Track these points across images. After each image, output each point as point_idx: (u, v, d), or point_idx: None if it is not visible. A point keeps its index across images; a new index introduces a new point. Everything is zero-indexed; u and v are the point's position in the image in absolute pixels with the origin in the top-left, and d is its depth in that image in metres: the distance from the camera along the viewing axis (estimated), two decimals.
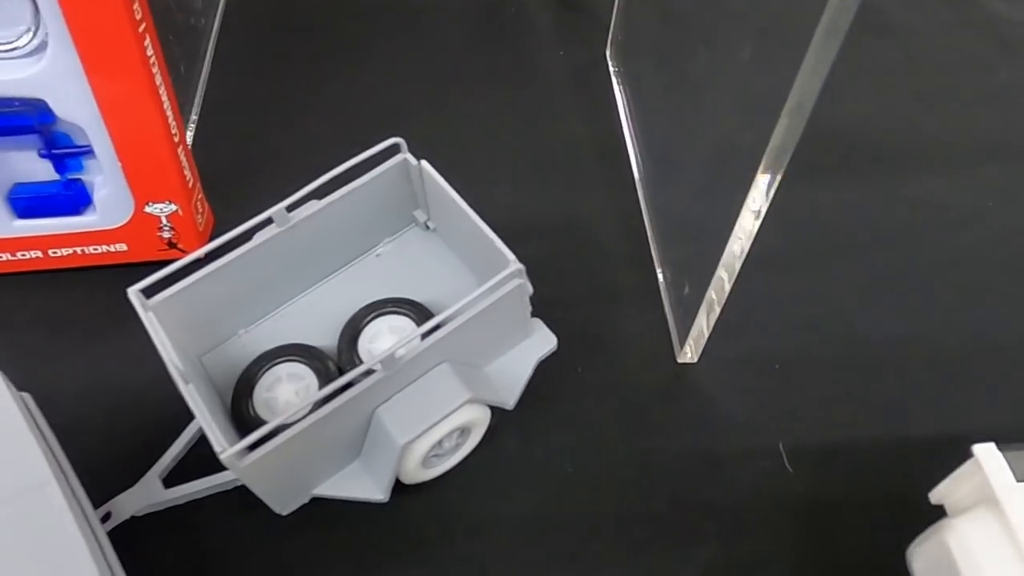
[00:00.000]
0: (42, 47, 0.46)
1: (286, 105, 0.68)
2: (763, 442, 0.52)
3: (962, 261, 0.61)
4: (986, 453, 0.38)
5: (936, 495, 0.41)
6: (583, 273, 0.58)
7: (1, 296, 0.54)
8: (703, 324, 0.54)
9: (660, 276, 0.61)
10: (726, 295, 0.52)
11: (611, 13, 0.77)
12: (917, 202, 0.65)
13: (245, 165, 0.64)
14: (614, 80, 0.77)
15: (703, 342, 0.56)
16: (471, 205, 0.48)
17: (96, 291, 0.56)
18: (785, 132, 0.42)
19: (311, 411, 0.40)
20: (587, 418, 0.52)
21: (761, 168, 0.46)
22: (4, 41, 0.46)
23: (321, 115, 0.68)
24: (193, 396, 0.40)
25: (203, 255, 0.44)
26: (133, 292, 0.42)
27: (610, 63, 0.79)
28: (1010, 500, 0.36)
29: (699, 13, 0.62)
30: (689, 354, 0.56)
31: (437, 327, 0.42)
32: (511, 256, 0.44)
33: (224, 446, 0.37)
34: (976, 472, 0.38)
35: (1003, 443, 0.40)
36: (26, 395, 0.44)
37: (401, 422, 0.41)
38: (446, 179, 0.49)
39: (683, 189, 0.62)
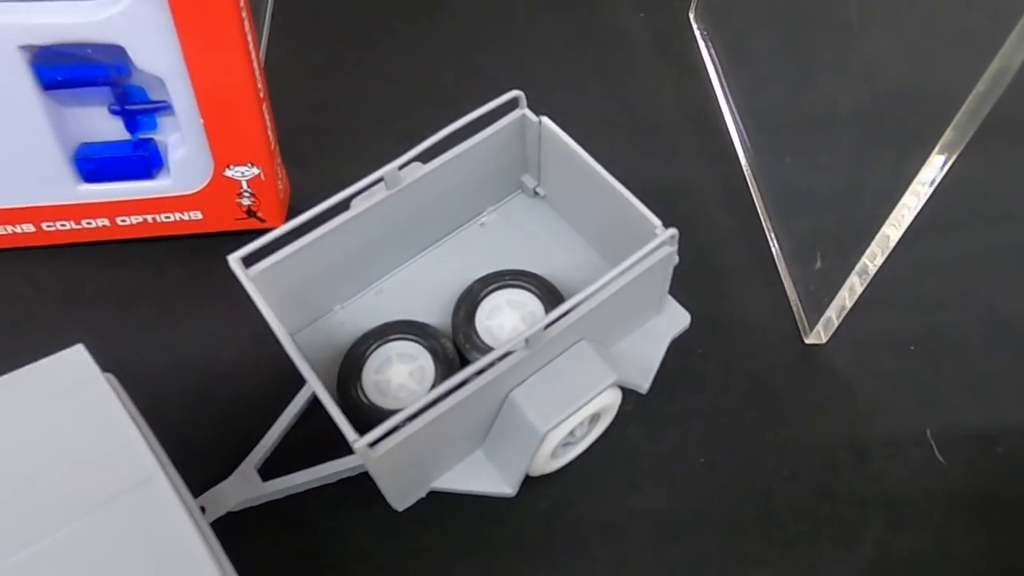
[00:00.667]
0: None
1: (353, 69, 0.63)
2: (908, 430, 0.48)
3: None
4: None
5: None
6: (690, 247, 0.53)
7: (66, 268, 0.50)
8: (843, 303, 0.50)
9: (775, 249, 0.56)
10: (872, 274, 0.48)
11: None
12: None
13: (317, 130, 0.59)
14: (701, 42, 0.72)
15: (835, 322, 0.52)
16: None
17: (168, 264, 0.51)
18: (985, 91, 0.37)
19: (438, 396, 0.36)
20: (714, 404, 0.48)
21: (945, 136, 0.41)
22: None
23: (392, 80, 0.63)
24: (314, 379, 0.35)
25: (306, 221, 0.40)
26: (234, 260, 0.38)
27: (695, 25, 0.74)
28: None
29: None
30: (821, 334, 0.52)
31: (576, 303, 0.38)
32: (658, 222, 0.39)
33: (356, 435, 0.33)
34: None
35: None
36: (110, 376, 0.40)
37: (542, 406, 0.37)
38: None
39: (808, 156, 0.58)
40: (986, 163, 0.62)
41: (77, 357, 0.37)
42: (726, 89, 0.70)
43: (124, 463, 0.35)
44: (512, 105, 0.44)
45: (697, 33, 0.76)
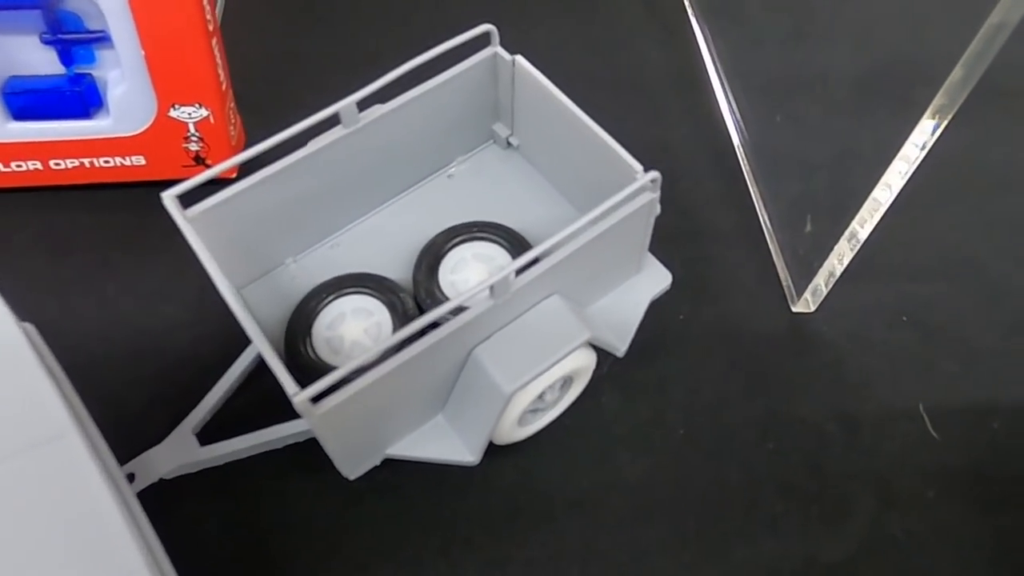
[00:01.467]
0: None
1: (319, 14, 0.59)
2: (901, 404, 0.45)
3: None
4: None
5: None
6: (674, 209, 0.50)
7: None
8: (832, 270, 0.47)
9: (762, 213, 0.54)
10: (862, 240, 0.45)
11: None
12: None
13: (276, 77, 0.55)
14: (688, 5, 0.69)
15: (824, 291, 0.49)
16: None
17: (106, 212, 0.47)
18: (977, 54, 0.35)
19: (391, 346, 0.33)
20: (697, 373, 0.45)
21: (937, 100, 0.40)
22: None
23: (360, 26, 0.59)
24: (256, 332, 0.32)
25: (252, 158, 0.36)
26: (169, 197, 0.34)
27: (694, 20, 0.71)
28: None
29: None
30: (809, 303, 0.49)
31: (544, 253, 0.34)
32: (639, 166, 0.36)
33: (296, 388, 0.29)
34: None
35: None
36: (28, 326, 0.36)
37: (508, 365, 0.34)
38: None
39: (798, 119, 0.55)
40: (981, 132, 0.59)
41: None
42: (712, 48, 0.67)
43: (33, 416, 0.31)
44: (484, 42, 0.41)
45: (698, 32, 0.73)
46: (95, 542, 0.27)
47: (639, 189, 0.35)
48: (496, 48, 0.41)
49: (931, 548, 0.40)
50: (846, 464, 0.41)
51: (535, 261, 0.34)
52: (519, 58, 0.41)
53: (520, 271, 0.33)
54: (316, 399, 0.31)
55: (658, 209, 0.38)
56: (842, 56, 0.52)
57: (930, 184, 0.57)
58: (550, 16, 0.64)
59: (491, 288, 0.32)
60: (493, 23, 0.58)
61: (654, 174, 0.36)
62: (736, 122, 0.61)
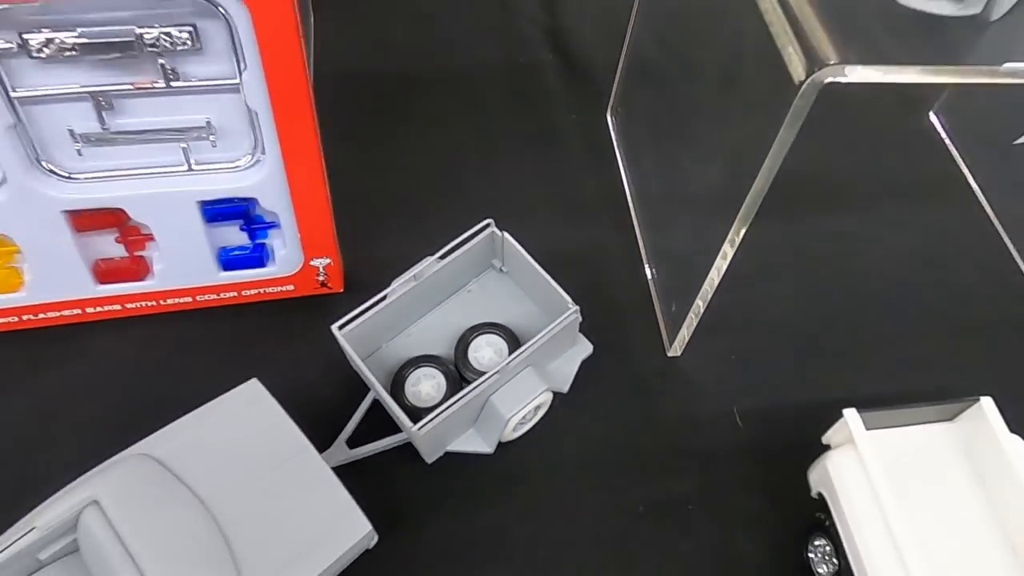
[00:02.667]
0: (257, 163, 0.68)
1: (368, 168, 0.90)
2: (724, 408, 0.79)
3: (868, 275, 0.88)
4: (851, 414, 0.64)
5: (825, 438, 0.67)
6: (597, 293, 0.82)
7: (209, 324, 0.78)
8: (690, 328, 0.80)
9: (653, 294, 0.86)
10: (703, 310, 0.77)
11: (611, 80, 1.00)
12: (835, 232, 0.91)
13: (350, 218, 0.85)
14: (613, 138, 1.00)
15: (685, 342, 0.82)
16: (519, 242, 0.73)
17: (273, 318, 0.79)
18: (759, 188, 0.63)
19: (453, 400, 0.64)
20: (608, 396, 0.78)
21: (740, 214, 0.66)
22: (230, 160, 0.69)
23: (398, 177, 0.90)
24: (378, 387, 0.64)
25: (377, 300, 0.68)
26: (335, 328, 0.66)
27: (610, 124, 1.02)
28: (861, 440, 0.62)
29: (683, 86, 0.85)
30: (677, 350, 0.81)
31: (521, 347, 0.67)
32: (570, 302, 0.68)
33: (410, 425, 0.61)
34: (845, 425, 0.64)
35: (861, 408, 0.66)
36: (255, 381, 0.68)
37: (505, 403, 0.67)
38: (497, 222, 0.74)
39: (670, 225, 0.87)
40: (790, 225, 0.91)
41: (253, 385, 0.65)
42: (628, 176, 0.99)
43: (285, 440, 0.63)
44: (487, 226, 0.72)
45: (611, 128, 1.04)
46: (332, 504, 0.59)
47: (569, 315, 0.67)
48: (493, 229, 0.73)
49: (732, 485, 0.72)
50: (688, 444, 0.75)
51: (520, 353, 0.66)
52: (506, 235, 0.73)
53: (509, 359, 0.65)
54: (415, 424, 0.63)
55: (580, 319, 0.70)
56: (697, 181, 0.83)
57: (762, 265, 0.89)
58: (520, 152, 0.95)
59: (498, 371, 0.64)
60: (481, 148, 0.87)
61: (575, 308, 0.68)
62: (640, 228, 0.93)
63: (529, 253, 0.73)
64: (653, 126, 0.92)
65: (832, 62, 0.51)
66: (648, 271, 0.85)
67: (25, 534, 0.54)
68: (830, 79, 0.51)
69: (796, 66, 0.52)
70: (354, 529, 0.59)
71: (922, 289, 0.87)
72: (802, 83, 0.51)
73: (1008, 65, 0.51)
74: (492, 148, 0.94)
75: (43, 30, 0.57)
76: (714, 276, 0.74)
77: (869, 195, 0.93)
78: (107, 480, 0.56)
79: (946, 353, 0.82)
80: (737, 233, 0.67)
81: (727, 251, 0.70)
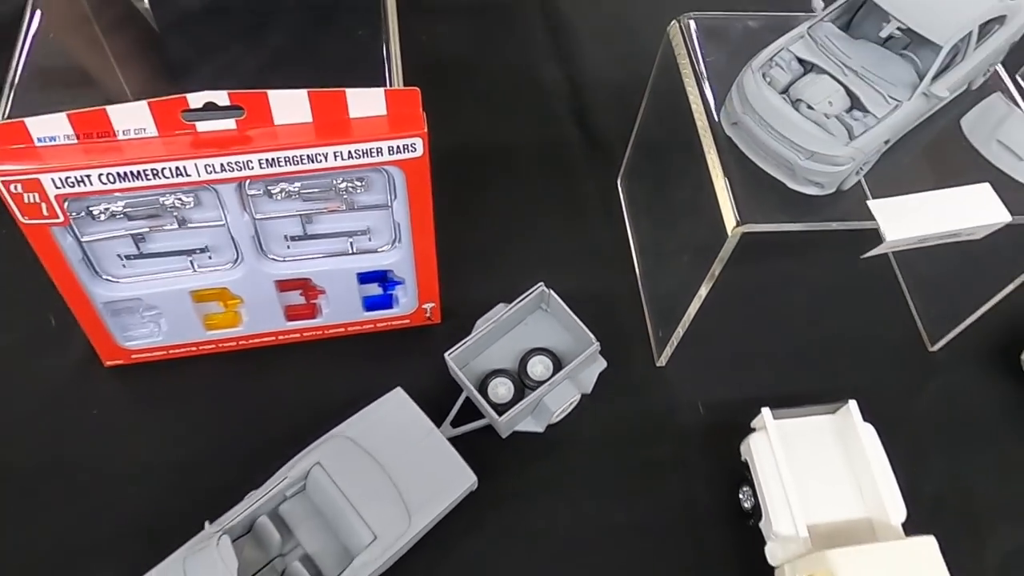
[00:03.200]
0: (394, 248, 1.04)
1: (445, 228, 1.22)
2: (692, 401, 1.12)
3: (795, 305, 1.24)
4: (766, 410, 1.00)
5: (752, 424, 1.04)
6: (608, 323, 1.14)
7: (356, 345, 1.10)
8: (673, 344, 1.15)
9: (648, 324, 1.22)
10: (682, 333, 1.13)
11: (623, 153, 1.35)
12: (783, 275, 1.27)
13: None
14: (622, 202, 1.36)
15: (669, 356, 1.19)
16: (553, 285, 1.07)
17: (397, 341, 1.12)
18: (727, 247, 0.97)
19: (522, 402, 1.02)
20: (615, 394, 1.10)
21: (713, 264, 0.93)
22: (377, 248, 1.04)
23: (466, 231, 1.21)
24: (473, 392, 1.01)
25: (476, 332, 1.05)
26: (447, 355, 1.03)
27: (620, 189, 1.38)
28: (771, 426, 0.99)
29: (672, 165, 1.21)
30: (663, 362, 1.18)
31: (562, 367, 1.04)
32: (593, 338, 1.05)
33: (496, 415, 0.99)
34: (762, 416, 1.01)
35: (775, 405, 1.03)
36: (400, 390, 1.05)
37: (553, 403, 1.03)
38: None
39: (663, 274, 1.23)
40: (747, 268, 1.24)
41: (398, 391, 1.02)
42: (631, 230, 1.35)
43: (418, 423, 1.00)
44: (539, 286, 1.09)
45: (620, 193, 1.40)
46: (450, 464, 0.97)
47: (594, 347, 1.03)
48: (542, 288, 1.08)
49: (698, 455, 1.10)
50: (668, 426, 1.10)
51: (559, 365, 1.03)
52: (552, 291, 1.09)
53: (552, 376, 1.03)
54: (499, 414, 1.01)
55: (599, 347, 1.07)
56: (687, 235, 1.19)
57: (729, 302, 1.24)
58: (551, 208, 1.27)
59: (549, 383, 1.01)
60: (523, 214, 1.24)
61: (596, 345, 1.04)
62: (640, 274, 1.29)
63: (559, 293, 1.10)
64: (651, 193, 1.28)
65: (746, 221, 0.86)
66: (645, 307, 1.22)
67: (281, 481, 0.92)
68: (745, 229, 0.87)
69: (729, 220, 0.88)
70: (465, 479, 0.97)
71: (830, 318, 1.22)
72: (732, 230, 0.88)
73: (845, 223, 0.87)
74: (532, 210, 1.29)
75: (280, 184, 0.93)
76: (692, 310, 1.10)
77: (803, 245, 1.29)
78: (323, 451, 0.94)
79: (835, 365, 1.16)
80: (711, 278, 0.95)
81: (702, 292, 1.00)
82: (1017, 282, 1.06)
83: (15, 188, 0.82)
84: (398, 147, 0.87)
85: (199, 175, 0.85)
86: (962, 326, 1.16)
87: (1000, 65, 1.01)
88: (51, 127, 0.81)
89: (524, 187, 1.29)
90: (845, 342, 1.20)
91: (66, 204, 0.85)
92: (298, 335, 1.10)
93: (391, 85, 0.89)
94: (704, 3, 1.00)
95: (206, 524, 0.88)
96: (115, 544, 0.94)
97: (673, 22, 1.02)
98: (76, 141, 0.82)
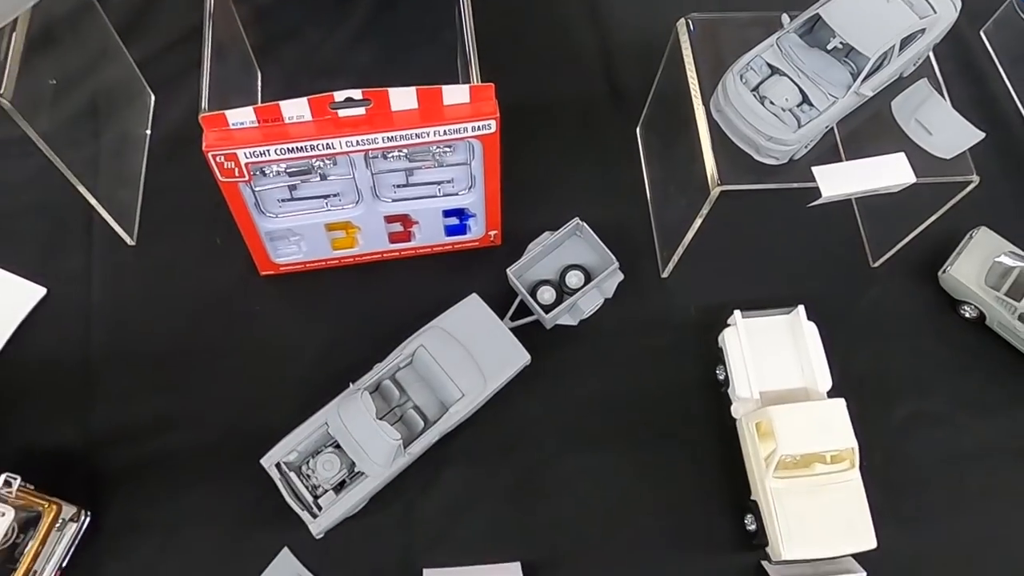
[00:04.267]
0: (470, 191, 1.41)
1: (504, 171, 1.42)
2: (687, 305, 1.30)
3: (778, 235, 1.61)
4: (737, 312, 1.34)
5: (728, 321, 1.40)
6: (624, 245, 1.39)
7: (437, 262, 1.32)
8: (675, 260, 1.51)
9: (656, 247, 1.57)
10: (682, 251, 1.47)
11: (642, 106, 1.68)
12: (762, 212, 1.63)
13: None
14: (640, 147, 1.70)
15: (671, 270, 1.55)
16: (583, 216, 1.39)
17: (467, 259, 1.34)
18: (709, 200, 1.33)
19: (564, 304, 1.41)
20: (627, 298, 1.33)
21: (703, 207, 1.20)
22: (458, 192, 1.41)
23: (517, 172, 1.58)
24: (527, 298, 1.40)
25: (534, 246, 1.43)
26: (509, 269, 1.41)
27: (638, 136, 1.71)
28: (739, 322, 1.32)
29: (677, 126, 1.55)
30: (666, 275, 1.54)
31: (591, 280, 1.42)
32: (614, 258, 1.42)
33: (544, 314, 1.38)
34: (735, 317, 1.37)
35: (745, 308, 1.40)
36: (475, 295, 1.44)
37: (585, 305, 1.37)
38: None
39: (669, 206, 1.59)
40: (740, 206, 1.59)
41: (473, 297, 1.35)
42: (646, 171, 1.68)
43: (490, 319, 1.40)
44: (575, 221, 1.46)
45: (639, 142, 1.73)
46: (510, 347, 1.36)
47: (614, 266, 1.41)
48: (578, 221, 1.45)
49: (681, 342, 1.48)
50: (664, 319, 1.47)
51: (589, 278, 1.42)
52: (584, 224, 1.43)
53: (583, 285, 1.41)
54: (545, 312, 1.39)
55: (617, 264, 1.44)
56: (681, 181, 1.55)
57: (716, 224, 1.58)
58: (584, 158, 1.54)
59: (581, 292, 1.40)
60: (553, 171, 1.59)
61: (616, 263, 1.42)
62: (651, 206, 1.63)
63: (589, 222, 1.45)
64: (662, 143, 1.62)
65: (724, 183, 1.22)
66: (654, 233, 1.55)
67: (397, 358, 1.33)
68: (723, 188, 1.23)
69: (712, 181, 1.24)
70: (522, 357, 1.36)
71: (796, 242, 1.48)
72: (713, 188, 1.23)
73: (796, 184, 1.23)
74: (569, 155, 1.58)
75: (393, 151, 1.30)
76: (687, 237, 1.40)
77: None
78: (424, 337, 1.33)
79: (796, 278, 1.38)
80: (701, 216, 1.13)
81: (696, 224, 1.18)
82: (936, 215, 1.39)
83: (219, 159, 1.20)
84: (477, 127, 1.23)
85: (340, 148, 1.22)
86: (897, 247, 1.50)
87: (931, 52, 1.33)
88: (241, 116, 1.18)
89: (562, 136, 1.61)
90: (807, 260, 1.53)
91: (250, 168, 1.23)
92: (397, 253, 1.45)
93: (472, 82, 1.24)
94: None
95: (350, 384, 1.30)
96: (282, 400, 1.35)
97: (680, 22, 1.34)
98: (257, 125, 1.19)
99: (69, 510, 1.00)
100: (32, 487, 0.99)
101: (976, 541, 1.18)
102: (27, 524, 0.96)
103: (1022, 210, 1.37)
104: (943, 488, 1.19)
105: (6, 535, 0.91)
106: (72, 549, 1.02)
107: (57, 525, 0.97)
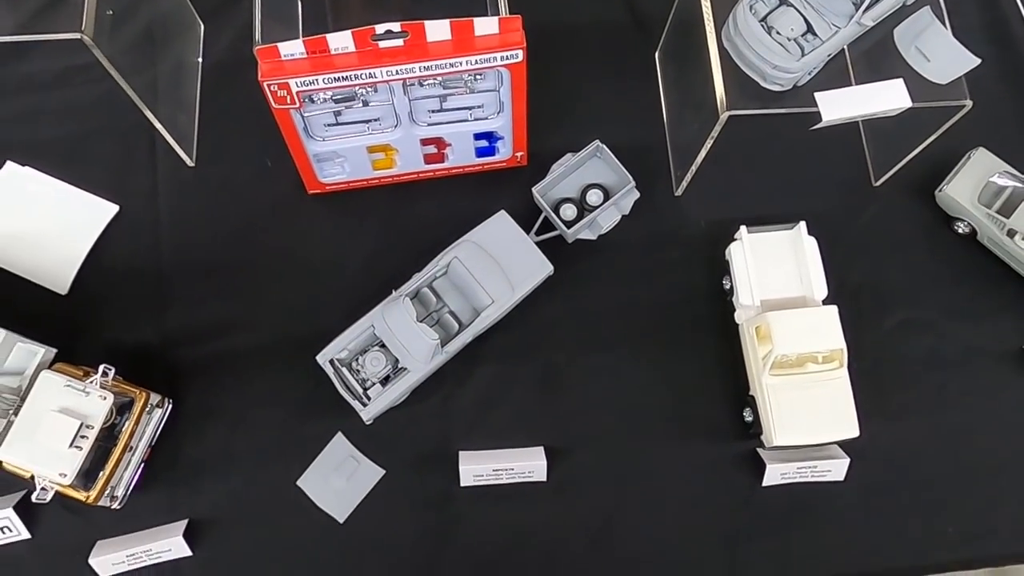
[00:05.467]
0: (499, 115, 1.53)
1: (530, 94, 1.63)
2: (697, 219, 1.46)
3: (799, 154, 1.72)
4: (743, 228, 1.48)
5: (735, 236, 1.53)
6: (641, 164, 1.41)
7: (467, 181, 1.43)
8: (688, 179, 1.63)
9: (671, 166, 1.67)
10: (695, 171, 1.58)
11: (660, 33, 1.76)
12: (770, 132, 1.73)
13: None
14: (658, 71, 1.79)
15: (684, 188, 1.67)
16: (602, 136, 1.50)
17: (496, 178, 1.44)
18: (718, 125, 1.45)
19: (584, 219, 1.54)
20: (643, 213, 1.41)
21: (713, 128, 1.29)
22: (488, 116, 1.53)
23: (542, 94, 1.68)
24: (550, 213, 1.54)
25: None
26: (534, 188, 1.54)
27: (657, 61, 1.80)
28: (744, 236, 1.41)
29: (691, 54, 1.64)
30: (679, 192, 1.66)
31: (609, 197, 1.55)
32: (630, 177, 1.54)
33: (566, 229, 1.52)
34: (741, 231, 1.49)
35: (751, 224, 1.51)
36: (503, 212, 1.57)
37: (604, 220, 1.52)
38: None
39: (683, 128, 1.69)
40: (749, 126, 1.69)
41: (502, 214, 1.53)
42: (663, 93, 1.77)
43: (517, 234, 1.53)
44: (595, 142, 1.57)
45: (657, 67, 1.82)
46: (535, 258, 1.50)
47: (631, 185, 1.53)
48: (597, 142, 1.56)
49: (692, 255, 1.63)
50: (676, 232, 1.60)
51: (608, 196, 1.55)
52: (603, 146, 1.56)
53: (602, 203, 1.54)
54: (567, 227, 1.53)
55: (634, 183, 1.56)
56: (696, 103, 1.65)
57: (727, 147, 1.67)
58: (607, 81, 1.65)
59: (600, 208, 1.53)
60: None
61: (632, 182, 1.54)
62: (667, 127, 1.73)
63: (608, 144, 1.56)
64: (677, 69, 1.71)
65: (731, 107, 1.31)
66: (669, 153, 1.65)
67: (434, 268, 1.48)
68: (730, 113, 1.34)
69: (721, 106, 1.34)
70: (545, 267, 1.50)
71: (802, 162, 1.61)
72: (722, 113, 1.34)
73: (798, 109, 1.33)
74: (591, 79, 1.63)
75: (429, 79, 1.41)
76: (699, 157, 1.49)
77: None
78: (458, 250, 1.47)
79: (801, 196, 1.48)
80: (712, 138, 1.23)
81: (707, 145, 1.30)
82: (932, 138, 1.49)
83: (273, 88, 1.33)
84: (506, 56, 1.34)
85: (381, 77, 1.34)
86: (896, 167, 1.61)
87: None
88: (292, 48, 1.30)
89: (585, 61, 1.70)
90: (812, 179, 1.63)
91: (300, 96, 1.36)
92: (432, 173, 1.54)
93: (501, 14, 1.34)
94: None
95: (392, 291, 1.46)
96: (332, 305, 1.51)
97: None
98: (306, 56, 1.31)
99: (155, 397, 1.15)
100: (121, 378, 1.14)
101: (952, 434, 1.31)
102: (122, 408, 1.12)
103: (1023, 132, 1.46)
104: (927, 387, 1.32)
105: (108, 416, 1.07)
106: (159, 431, 1.19)
107: (147, 410, 1.13)
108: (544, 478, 1.20)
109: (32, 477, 1.00)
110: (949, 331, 1.34)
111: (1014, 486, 1.23)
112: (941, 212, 1.42)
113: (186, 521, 1.15)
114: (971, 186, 1.54)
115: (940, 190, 1.56)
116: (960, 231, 1.40)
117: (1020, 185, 1.48)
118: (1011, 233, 1.29)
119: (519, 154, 1.44)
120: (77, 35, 1.22)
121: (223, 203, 1.55)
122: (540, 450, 1.23)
